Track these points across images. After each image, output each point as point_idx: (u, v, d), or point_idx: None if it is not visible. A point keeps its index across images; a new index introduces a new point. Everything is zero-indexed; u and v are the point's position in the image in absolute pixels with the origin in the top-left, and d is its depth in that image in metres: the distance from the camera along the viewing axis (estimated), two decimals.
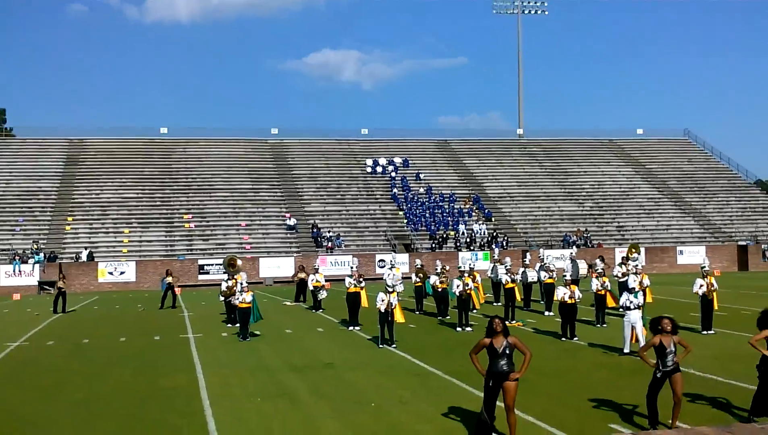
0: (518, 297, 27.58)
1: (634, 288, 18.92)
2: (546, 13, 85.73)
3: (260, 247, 55.76)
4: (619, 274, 28.57)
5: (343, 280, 26.65)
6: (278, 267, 52.48)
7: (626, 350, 18.35)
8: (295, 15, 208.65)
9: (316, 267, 32.20)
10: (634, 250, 29.48)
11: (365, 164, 69.62)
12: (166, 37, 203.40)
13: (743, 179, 75.12)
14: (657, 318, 11.78)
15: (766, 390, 11.82)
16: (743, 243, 60.66)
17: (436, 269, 27.91)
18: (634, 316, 18.26)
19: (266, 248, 55.75)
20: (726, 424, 11.45)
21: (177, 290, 37.74)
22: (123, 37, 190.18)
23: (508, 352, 10.91)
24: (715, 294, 22.23)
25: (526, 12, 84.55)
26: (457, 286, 24.19)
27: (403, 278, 33.00)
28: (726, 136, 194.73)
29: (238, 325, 23.77)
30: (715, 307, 22.40)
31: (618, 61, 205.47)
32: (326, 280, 31.77)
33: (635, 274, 25.64)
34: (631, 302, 18.42)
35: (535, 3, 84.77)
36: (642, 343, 17.93)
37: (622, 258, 30.47)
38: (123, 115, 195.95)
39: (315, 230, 57.65)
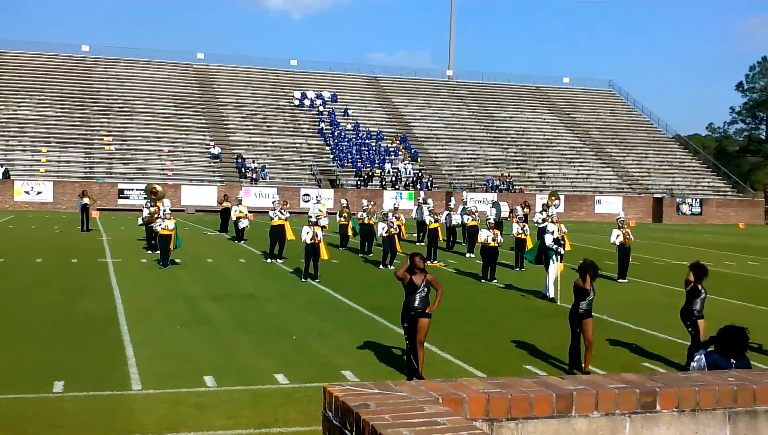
0: (441, 237, 27.86)
1: (553, 232, 19.36)
2: None
3: (182, 175, 54.84)
4: (540, 221, 29.04)
5: (267, 212, 26.41)
6: (201, 196, 51.77)
7: (550, 295, 18.70)
8: None
9: (240, 198, 31.82)
10: (554, 198, 29.94)
11: (293, 96, 68.79)
12: None
13: (663, 133, 76.98)
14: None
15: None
16: (659, 196, 62.42)
17: (363, 207, 27.90)
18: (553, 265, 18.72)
19: (189, 176, 54.87)
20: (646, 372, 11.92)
21: (94, 213, 36.96)
22: None
23: (425, 290, 11.07)
24: (629, 242, 22.81)
25: None
26: (382, 227, 24.29)
27: (328, 213, 33.08)
28: (649, 90, 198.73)
29: (158, 251, 23.44)
30: (629, 253, 22.99)
31: (549, 10, 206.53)
32: (249, 212, 31.44)
33: (552, 222, 26.20)
34: (549, 245, 18.86)
35: None
36: (551, 285, 18.45)
37: (543, 205, 30.95)
38: (44, 30, 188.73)
39: (239, 161, 56.93)
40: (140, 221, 27.52)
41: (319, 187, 55.19)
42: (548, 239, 19.37)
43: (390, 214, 25.12)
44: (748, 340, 7.26)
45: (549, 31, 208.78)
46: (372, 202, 28.03)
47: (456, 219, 29.66)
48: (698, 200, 62.31)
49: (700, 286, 12.09)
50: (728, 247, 35.22)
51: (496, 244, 21.53)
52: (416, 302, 11.07)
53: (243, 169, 55.99)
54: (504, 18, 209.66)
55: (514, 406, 2.88)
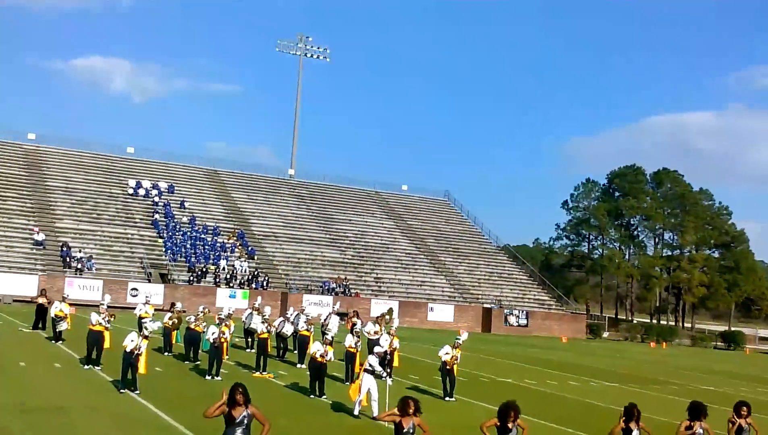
0: (269, 347, 27.05)
1: (383, 347, 19.39)
2: (327, 60, 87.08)
3: (1, 261, 51.53)
4: (371, 332, 28.95)
5: (90, 306, 24.95)
6: (19, 285, 48.65)
7: (355, 412, 18.56)
8: (66, 14, 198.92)
9: (65, 295, 30.05)
10: (388, 315, 30.07)
11: (127, 185, 66.83)
12: None
13: (492, 245, 79.85)
14: (404, 399, 11.78)
15: None
16: (488, 306, 64.21)
17: (197, 311, 26.94)
18: (370, 380, 18.55)
19: (8, 263, 51.60)
20: None
21: None
22: None
23: (246, 422, 10.52)
24: (455, 366, 22.98)
25: (308, 55, 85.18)
26: (212, 333, 23.37)
27: (155, 311, 31.69)
28: (481, 202, 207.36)
29: None
30: (455, 373, 23.16)
31: (389, 120, 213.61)
32: (72, 305, 29.63)
33: (388, 333, 26.16)
34: (370, 365, 18.73)
35: (318, 48, 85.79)
36: (376, 405, 18.27)
37: (377, 317, 30.96)
38: None
39: (65, 249, 54.19)
40: None
41: (149, 281, 53.24)
42: (373, 360, 19.21)
43: (221, 323, 24.24)
44: None
45: (391, 139, 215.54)
46: (206, 310, 27.00)
47: (288, 329, 29.04)
48: (525, 312, 64.55)
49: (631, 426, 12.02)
50: (551, 365, 36.32)
51: (325, 361, 21.14)
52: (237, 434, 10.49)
53: (68, 259, 53.27)
54: (347, 123, 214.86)
55: None
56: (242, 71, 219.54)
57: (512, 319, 63.26)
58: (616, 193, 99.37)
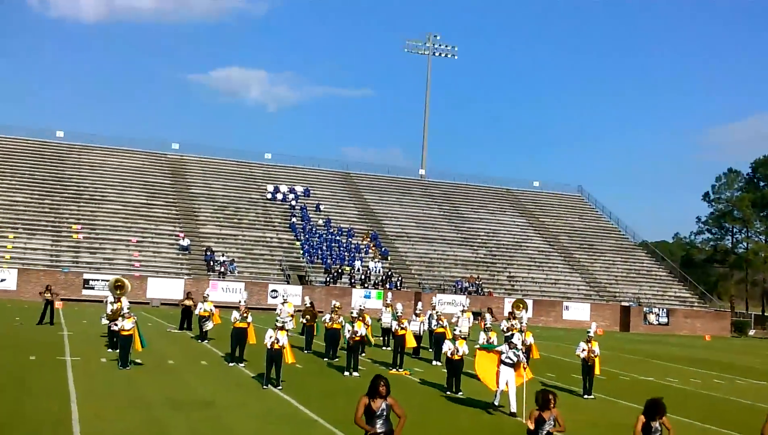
0: (408, 344, 27.40)
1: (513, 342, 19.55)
2: (456, 57, 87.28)
3: (150, 266, 54.31)
4: (505, 329, 28.96)
5: (233, 308, 26.06)
6: (167, 288, 51.11)
7: (496, 402, 18.95)
8: (204, 27, 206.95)
9: (206, 295, 31.45)
10: (521, 306, 29.85)
11: (266, 190, 69.02)
12: (69, 35, 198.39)
13: (630, 241, 77.83)
14: (543, 392, 11.86)
15: None
16: (626, 304, 62.66)
17: (331, 308, 27.63)
18: (509, 372, 18.63)
19: (156, 268, 54.34)
20: None
21: (58, 304, 36.38)
22: (23, 29, 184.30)
23: (385, 414, 10.86)
24: (597, 359, 22.65)
25: (436, 54, 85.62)
26: (348, 331, 24.00)
27: (295, 312, 32.72)
28: (616, 196, 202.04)
29: (118, 350, 22.94)
30: (597, 371, 22.83)
31: (521, 114, 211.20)
32: (216, 307, 30.97)
33: (520, 331, 26.09)
34: (507, 357, 18.82)
35: (446, 46, 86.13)
36: (514, 400, 18.35)
37: (509, 313, 30.88)
38: (17, 113, 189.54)
39: (208, 253, 56.59)
40: (104, 320, 27.06)
41: (288, 283, 54.86)
42: (516, 340, 19.57)
43: (354, 321, 24.75)
44: None
45: (520, 136, 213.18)
46: (338, 305, 27.64)
47: (415, 326, 29.34)
48: (665, 310, 62.63)
49: (653, 424, 11.89)
50: (695, 362, 35.19)
51: (460, 358, 21.33)
52: (377, 425, 10.83)
53: (211, 263, 55.59)
54: (477, 121, 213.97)
55: None
56: (372, 74, 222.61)
57: (652, 318, 61.50)
58: (761, 183, 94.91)
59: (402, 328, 26.33)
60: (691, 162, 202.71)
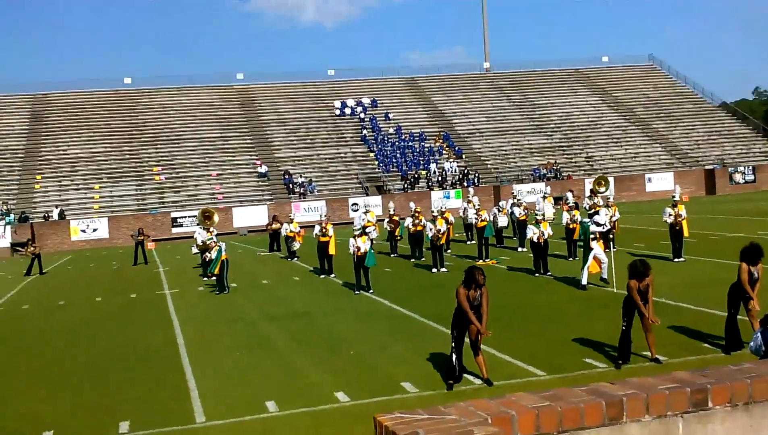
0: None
1: (603, 224, 19.44)
2: None
3: (232, 197, 55.53)
4: (587, 206, 28.83)
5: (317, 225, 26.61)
6: (252, 216, 52.28)
7: (584, 282, 18.68)
8: None
9: (291, 217, 32.13)
10: (602, 183, 29.56)
11: (333, 106, 69.11)
12: None
13: (709, 103, 75.52)
14: (637, 262, 11.79)
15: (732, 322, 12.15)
16: (710, 167, 61.29)
17: (410, 211, 27.97)
18: (596, 248, 18.60)
19: (239, 198, 55.53)
20: (698, 360, 11.78)
21: (150, 245, 37.66)
22: None
23: (478, 304, 11.16)
24: (684, 223, 22.48)
25: None
26: (430, 229, 24.33)
27: (377, 221, 33.19)
28: (690, 59, 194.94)
29: (214, 278, 23.79)
30: (686, 234, 22.68)
31: None
32: (301, 227, 31.65)
33: (606, 206, 25.97)
34: (592, 233, 18.82)
35: None
36: (605, 268, 18.42)
37: (590, 190, 30.66)
38: (85, 67, 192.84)
39: (287, 177, 57.44)
40: (194, 250, 27.97)
41: (366, 194, 55.40)
42: (603, 217, 19.58)
43: (435, 220, 25.02)
44: None
45: (584, 10, 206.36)
46: (418, 208, 27.90)
47: (503, 220, 29.49)
48: (751, 168, 60.96)
49: (752, 269, 11.88)
50: None
51: (544, 240, 21.44)
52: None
53: (291, 185, 56.48)
54: (536, 3, 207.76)
55: (565, 418, 2.88)
56: None
57: (737, 177, 59.99)
58: None
59: (483, 220, 26.53)
60: (765, 11, 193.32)
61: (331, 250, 24.82)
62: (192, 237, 31.64)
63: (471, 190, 37.32)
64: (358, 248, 20.63)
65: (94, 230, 50.74)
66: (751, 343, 7.39)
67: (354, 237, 21.00)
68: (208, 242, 24.34)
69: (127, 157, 59.92)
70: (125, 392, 12.47)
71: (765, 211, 36.24)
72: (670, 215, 22.40)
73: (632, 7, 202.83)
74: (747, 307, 11.99)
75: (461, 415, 2.88)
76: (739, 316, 12.25)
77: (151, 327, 18.33)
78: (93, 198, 54.80)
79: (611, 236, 19.94)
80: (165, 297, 23.33)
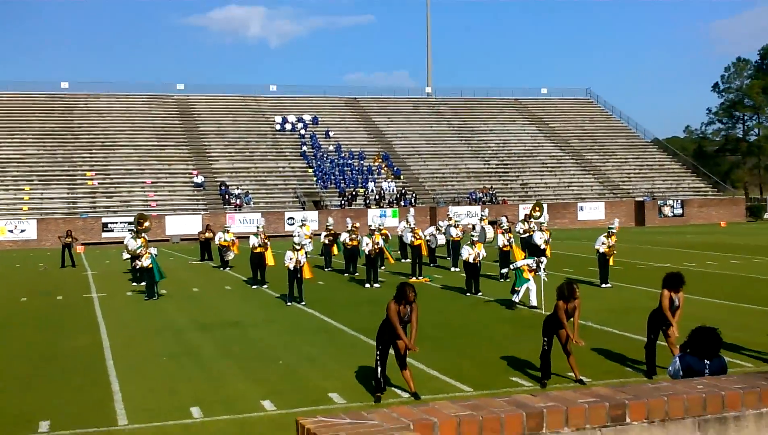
0: (424, 253, 27.94)
1: (539, 246, 19.78)
2: None
3: (166, 205, 54.81)
4: (521, 231, 29.32)
5: (252, 236, 26.48)
6: (185, 225, 51.66)
7: (516, 299, 19.23)
8: None
9: (227, 227, 31.88)
10: (537, 209, 30.16)
11: (274, 121, 68.90)
12: None
13: (641, 138, 77.43)
14: (566, 284, 12.09)
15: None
16: (640, 199, 62.74)
17: (347, 227, 28.03)
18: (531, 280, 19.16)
19: (173, 206, 54.83)
20: (620, 383, 12.07)
21: (79, 248, 36.95)
22: None
23: (407, 319, 11.32)
24: (612, 256, 23.13)
25: None
26: (366, 244, 24.41)
27: (313, 235, 33.16)
28: (625, 96, 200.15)
29: (143, 283, 23.45)
30: (611, 263, 23.29)
31: (523, 22, 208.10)
32: (236, 238, 31.42)
33: (540, 230, 26.40)
34: (527, 264, 19.29)
35: None
36: (534, 296, 18.85)
37: (525, 215, 31.18)
38: (21, 69, 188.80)
39: (223, 188, 56.98)
40: (125, 256, 27.52)
41: (303, 209, 55.27)
42: (538, 239, 19.98)
43: (372, 234, 25.15)
44: (721, 340, 7.38)
45: (525, 43, 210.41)
46: (355, 224, 28.02)
47: (440, 240, 29.80)
48: (679, 201, 62.62)
49: (674, 296, 12.22)
50: (710, 247, 35.48)
51: (478, 262, 21.76)
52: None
53: (227, 196, 56.03)
54: (480, 33, 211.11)
55: (486, 428, 2.92)
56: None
57: (667, 210, 61.56)
58: None
59: (417, 238, 26.75)
60: (698, 55, 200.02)
61: (270, 262, 24.74)
62: (121, 242, 31.13)
63: (412, 210, 37.51)
64: (299, 261, 20.64)
65: (22, 231, 49.56)
66: (670, 368, 7.60)
67: (292, 249, 20.98)
68: (138, 251, 24.08)
69: (60, 160, 58.72)
70: (47, 392, 12.21)
71: (692, 244, 37.27)
72: (603, 244, 22.89)
73: (571, 42, 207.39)
74: (666, 333, 12.32)
75: (383, 420, 2.91)
76: (658, 342, 12.58)
77: (76, 329, 17.97)
78: (22, 199, 53.51)
79: (543, 259, 20.28)
80: (92, 300, 22.90)
